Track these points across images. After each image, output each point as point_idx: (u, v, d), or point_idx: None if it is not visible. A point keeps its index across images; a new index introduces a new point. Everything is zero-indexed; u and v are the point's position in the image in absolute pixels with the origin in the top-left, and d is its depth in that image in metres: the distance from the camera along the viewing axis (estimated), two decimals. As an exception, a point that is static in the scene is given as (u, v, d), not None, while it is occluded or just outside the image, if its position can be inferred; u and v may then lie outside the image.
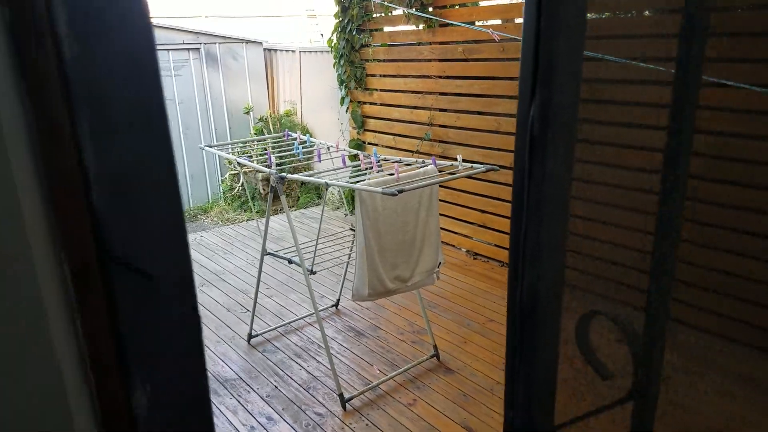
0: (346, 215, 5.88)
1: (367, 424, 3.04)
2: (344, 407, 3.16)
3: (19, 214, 0.42)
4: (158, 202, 0.51)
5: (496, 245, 4.64)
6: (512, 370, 0.75)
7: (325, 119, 6.42)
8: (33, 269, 0.46)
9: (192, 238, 5.42)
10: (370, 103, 5.43)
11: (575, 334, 0.70)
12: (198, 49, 6.71)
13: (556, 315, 0.70)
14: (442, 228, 4.07)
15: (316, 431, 2.98)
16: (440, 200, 3.98)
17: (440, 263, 3.20)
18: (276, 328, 3.93)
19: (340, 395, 3.18)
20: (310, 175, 3.34)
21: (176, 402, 0.56)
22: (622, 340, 0.70)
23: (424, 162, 3.09)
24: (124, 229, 0.50)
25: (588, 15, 0.63)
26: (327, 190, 3.38)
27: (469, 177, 4.08)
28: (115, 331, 0.52)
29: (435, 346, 3.47)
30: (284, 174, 3.15)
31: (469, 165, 3.02)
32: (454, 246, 5.03)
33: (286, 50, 6.94)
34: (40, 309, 0.46)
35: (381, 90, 5.26)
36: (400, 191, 2.47)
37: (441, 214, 4.12)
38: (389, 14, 4.99)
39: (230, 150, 4.68)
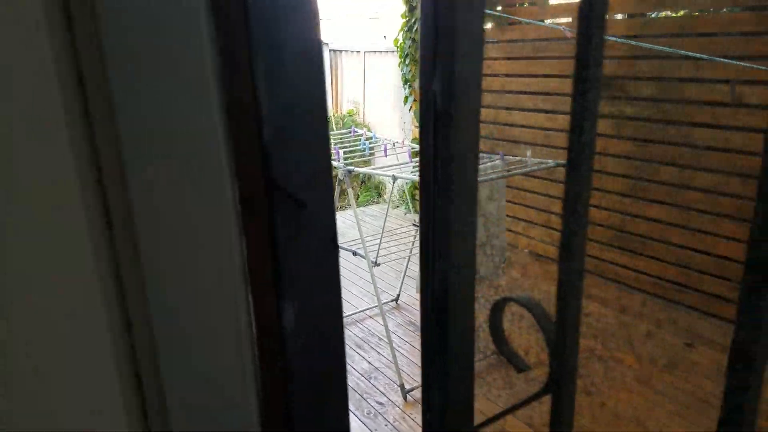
0: (405, 213, 5.94)
1: (428, 415, 3.05)
2: (405, 398, 3.20)
3: (216, 144, 0.49)
4: (313, 138, 0.58)
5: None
6: (428, 368, 0.73)
7: (387, 118, 6.51)
8: (216, 195, 0.53)
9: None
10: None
11: (489, 327, 0.67)
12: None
13: (470, 304, 0.68)
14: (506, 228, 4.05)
15: (377, 419, 3.04)
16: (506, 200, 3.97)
17: (503, 260, 3.19)
18: (338, 318, 4.02)
19: (401, 386, 3.22)
20: (377, 169, 3.41)
21: (316, 323, 0.63)
22: (535, 328, 0.64)
23: (491, 156, 3.10)
24: (286, 161, 0.56)
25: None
26: (393, 183, 3.44)
27: (532, 175, 4.04)
28: (273, 253, 0.58)
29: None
30: (352, 167, 3.24)
31: (538, 161, 3.01)
32: (514, 246, 4.99)
33: (351, 51, 7.11)
34: (220, 230, 0.53)
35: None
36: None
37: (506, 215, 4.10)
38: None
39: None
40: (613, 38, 3.89)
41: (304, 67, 0.55)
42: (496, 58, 4.68)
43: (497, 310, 0.65)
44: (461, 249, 0.66)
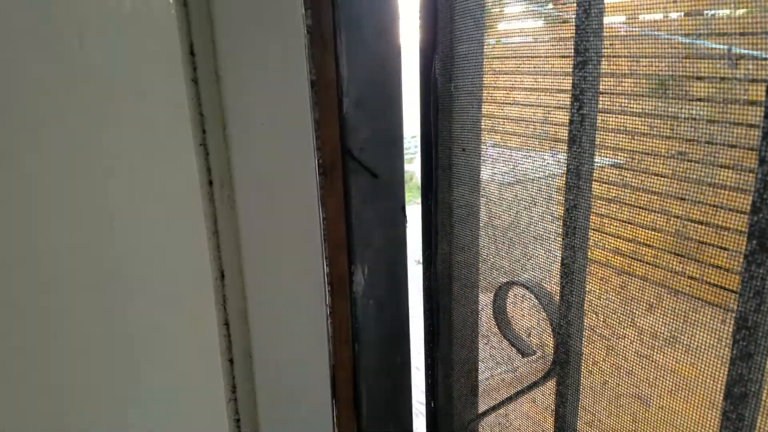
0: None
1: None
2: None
3: (304, 115, 0.54)
4: (387, 112, 0.62)
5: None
6: (430, 355, 0.73)
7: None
8: (300, 164, 0.58)
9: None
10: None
11: (493, 311, 0.64)
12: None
13: (474, 286, 0.67)
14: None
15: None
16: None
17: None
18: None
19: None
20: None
21: (383, 287, 0.67)
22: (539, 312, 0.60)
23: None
24: (361, 133, 0.61)
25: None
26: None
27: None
28: (346, 219, 0.63)
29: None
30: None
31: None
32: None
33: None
34: (304, 196, 0.58)
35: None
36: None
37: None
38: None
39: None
40: (668, 36, 3.76)
41: (382, 43, 0.60)
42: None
43: (501, 293, 0.64)
44: (463, 229, 0.67)
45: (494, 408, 0.69)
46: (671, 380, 0.50)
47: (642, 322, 0.52)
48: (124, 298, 0.50)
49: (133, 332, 0.51)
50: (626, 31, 0.49)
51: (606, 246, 0.54)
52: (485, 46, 0.60)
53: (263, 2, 0.51)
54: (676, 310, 0.49)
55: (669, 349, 0.49)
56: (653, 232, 0.51)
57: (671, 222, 0.48)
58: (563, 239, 0.56)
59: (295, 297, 0.61)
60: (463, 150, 0.65)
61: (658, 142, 0.47)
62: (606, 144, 0.50)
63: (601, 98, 0.50)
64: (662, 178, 0.48)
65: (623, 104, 0.49)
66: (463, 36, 0.61)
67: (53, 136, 0.44)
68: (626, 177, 0.50)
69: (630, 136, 0.49)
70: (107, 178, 0.47)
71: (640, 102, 0.47)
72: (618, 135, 0.50)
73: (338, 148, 0.61)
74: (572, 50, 0.51)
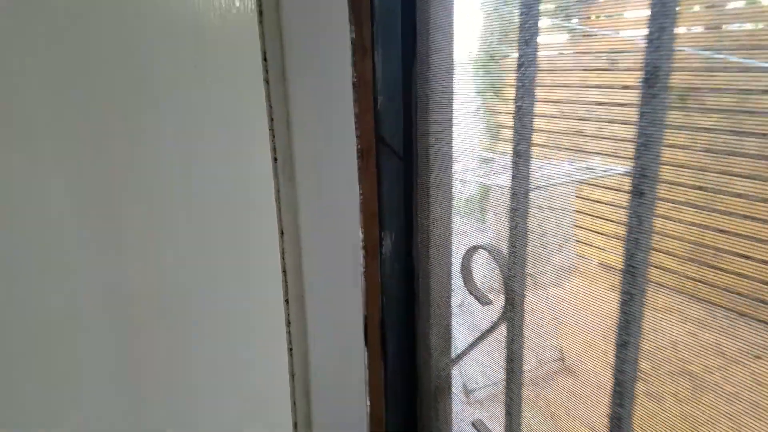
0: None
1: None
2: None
3: (348, 109, 0.69)
4: (411, 106, 0.76)
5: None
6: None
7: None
8: (344, 148, 0.72)
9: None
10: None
11: (461, 269, 0.77)
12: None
13: (447, 252, 0.79)
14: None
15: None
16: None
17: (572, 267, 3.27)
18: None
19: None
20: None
21: (406, 251, 0.81)
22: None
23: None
24: (392, 124, 0.75)
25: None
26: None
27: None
28: (379, 194, 0.77)
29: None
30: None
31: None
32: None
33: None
34: (347, 174, 0.73)
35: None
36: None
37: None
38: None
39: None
40: (689, 49, 3.85)
41: (407, 53, 0.74)
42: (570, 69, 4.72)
43: (468, 255, 0.76)
44: (437, 212, 0.78)
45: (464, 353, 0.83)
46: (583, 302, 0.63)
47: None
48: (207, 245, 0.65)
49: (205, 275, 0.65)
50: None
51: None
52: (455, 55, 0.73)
53: (319, 18, 0.65)
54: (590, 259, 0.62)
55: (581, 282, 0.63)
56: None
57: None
58: (510, 208, 0.68)
59: (339, 255, 0.75)
60: (436, 139, 0.78)
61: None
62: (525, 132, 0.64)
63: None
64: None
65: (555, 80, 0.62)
66: (437, 47, 0.75)
67: (172, 120, 0.58)
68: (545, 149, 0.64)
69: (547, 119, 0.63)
70: (209, 153, 0.61)
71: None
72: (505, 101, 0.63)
73: (373, 136, 0.75)
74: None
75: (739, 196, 0.58)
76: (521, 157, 0.64)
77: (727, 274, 0.58)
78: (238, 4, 0.61)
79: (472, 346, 0.79)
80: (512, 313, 0.71)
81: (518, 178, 0.65)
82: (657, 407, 0.61)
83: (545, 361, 0.72)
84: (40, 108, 0.52)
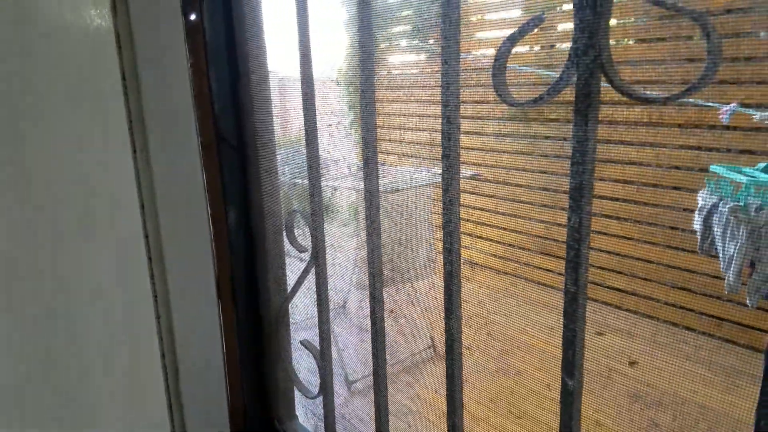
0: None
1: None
2: (349, 388, 3.57)
3: (190, 115, 0.94)
4: (243, 112, 1.03)
5: (492, 255, 5.08)
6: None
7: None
8: (189, 142, 0.97)
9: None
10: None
11: (285, 230, 1.10)
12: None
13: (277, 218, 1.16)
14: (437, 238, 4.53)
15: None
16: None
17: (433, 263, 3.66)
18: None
19: (346, 378, 3.60)
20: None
21: (248, 224, 1.06)
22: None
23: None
24: (228, 124, 1.01)
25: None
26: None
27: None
28: (221, 177, 1.02)
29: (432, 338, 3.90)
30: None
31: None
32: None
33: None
34: (192, 166, 0.97)
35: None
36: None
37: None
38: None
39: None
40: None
41: (243, 77, 1.01)
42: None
43: (290, 217, 1.05)
44: (267, 188, 1.07)
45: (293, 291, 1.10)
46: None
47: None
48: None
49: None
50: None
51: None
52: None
53: (163, 47, 0.90)
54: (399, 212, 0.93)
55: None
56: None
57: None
58: (310, 180, 0.98)
59: (191, 225, 0.99)
60: (261, 135, 1.08)
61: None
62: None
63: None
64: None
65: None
66: (254, 68, 1.05)
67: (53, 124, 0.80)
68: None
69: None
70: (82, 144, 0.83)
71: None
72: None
73: (213, 134, 1.01)
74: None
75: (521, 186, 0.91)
76: (311, 144, 0.93)
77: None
78: (101, 47, 0.84)
79: (297, 286, 1.06)
80: (317, 258, 0.99)
81: (312, 158, 0.94)
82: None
83: (340, 290, 1.01)
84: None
